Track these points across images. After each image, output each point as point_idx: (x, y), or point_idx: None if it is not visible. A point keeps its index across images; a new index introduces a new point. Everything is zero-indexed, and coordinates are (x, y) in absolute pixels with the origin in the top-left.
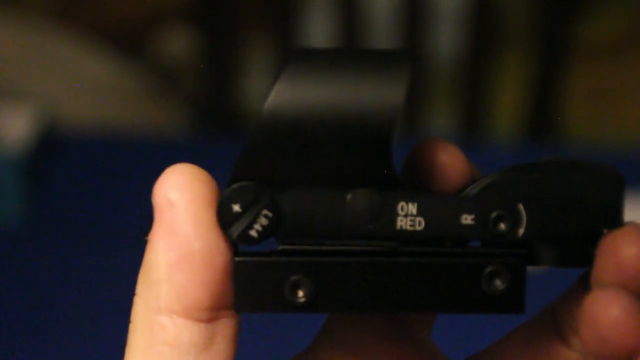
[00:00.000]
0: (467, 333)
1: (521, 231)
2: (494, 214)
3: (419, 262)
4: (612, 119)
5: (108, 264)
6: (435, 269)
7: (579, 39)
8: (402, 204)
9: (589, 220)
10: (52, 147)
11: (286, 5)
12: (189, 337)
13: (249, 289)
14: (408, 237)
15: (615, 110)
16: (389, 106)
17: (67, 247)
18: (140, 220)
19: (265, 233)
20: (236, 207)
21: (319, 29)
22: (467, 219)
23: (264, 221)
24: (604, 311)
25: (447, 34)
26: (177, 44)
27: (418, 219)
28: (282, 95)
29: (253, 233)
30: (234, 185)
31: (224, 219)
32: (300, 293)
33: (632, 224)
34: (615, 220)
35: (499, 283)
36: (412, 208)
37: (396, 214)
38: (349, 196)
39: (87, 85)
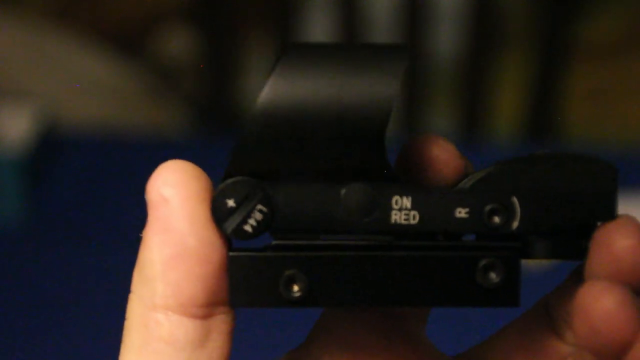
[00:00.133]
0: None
1: (515, 224)
2: (488, 207)
3: (414, 255)
4: (612, 119)
5: (108, 264)
6: (430, 262)
7: (579, 39)
8: (396, 197)
9: (583, 213)
10: (52, 147)
11: (286, 5)
12: (184, 334)
13: (243, 284)
14: (402, 231)
15: (615, 110)
16: (383, 100)
17: (67, 247)
18: (140, 220)
19: (259, 228)
20: (230, 202)
21: (319, 29)
22: (461, 213)
23: (258, 216)
24: (596, 303)
25: (447, 34)
26: (177, 44)
27: (412, 212)
28: (275, 89)
29: (247, 228)
30: (228, 181)
31: (218, 214)
32: (295, 288)
33: (625, 216)
34: (608, 213)
35: (493, 276)
36: (407, 202)
37: (390, 208)
38: (343, 190)
39: (87, 85)
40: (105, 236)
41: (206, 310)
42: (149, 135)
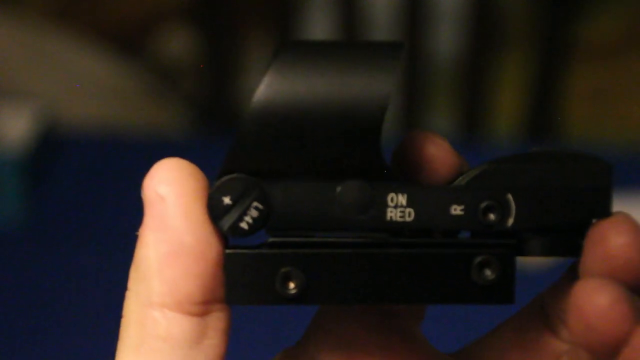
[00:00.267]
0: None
1: (510, 221)
2: (483, 205)
3: (409, 253)
4: (612, 119)
5: (108, 264)
6: (425, 259)
7: (579, 39)
8: (392, 195)
9: (578, 210)
10: (52, 147)
11: (286, 5)
12: (180, 331)
13: (240, 282)
14: (398, 228)
15: (615, 110)
16: (378, 97)
17: (67, 247)
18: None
19: (255, 225)
20: (226, 200)
21: (318, 29)
22: (456, 210)
23: (254, 213)
24: (591, 300)
25: (447, 34)
26: (177, 44)
27: (408, 210)
28: (271, 86)
29: (244, 225)
30: (224, 178)
31: (214, 211)
32: (292, 285)
33: (620, 213)
34: (603, 210)
35: (488, 273)
36: (402, 199)
37: (386, 205)
38: (339, 188)
39: (87, 85)
40: (105, 236)
41: (202, 307)
42: (149, 135)
